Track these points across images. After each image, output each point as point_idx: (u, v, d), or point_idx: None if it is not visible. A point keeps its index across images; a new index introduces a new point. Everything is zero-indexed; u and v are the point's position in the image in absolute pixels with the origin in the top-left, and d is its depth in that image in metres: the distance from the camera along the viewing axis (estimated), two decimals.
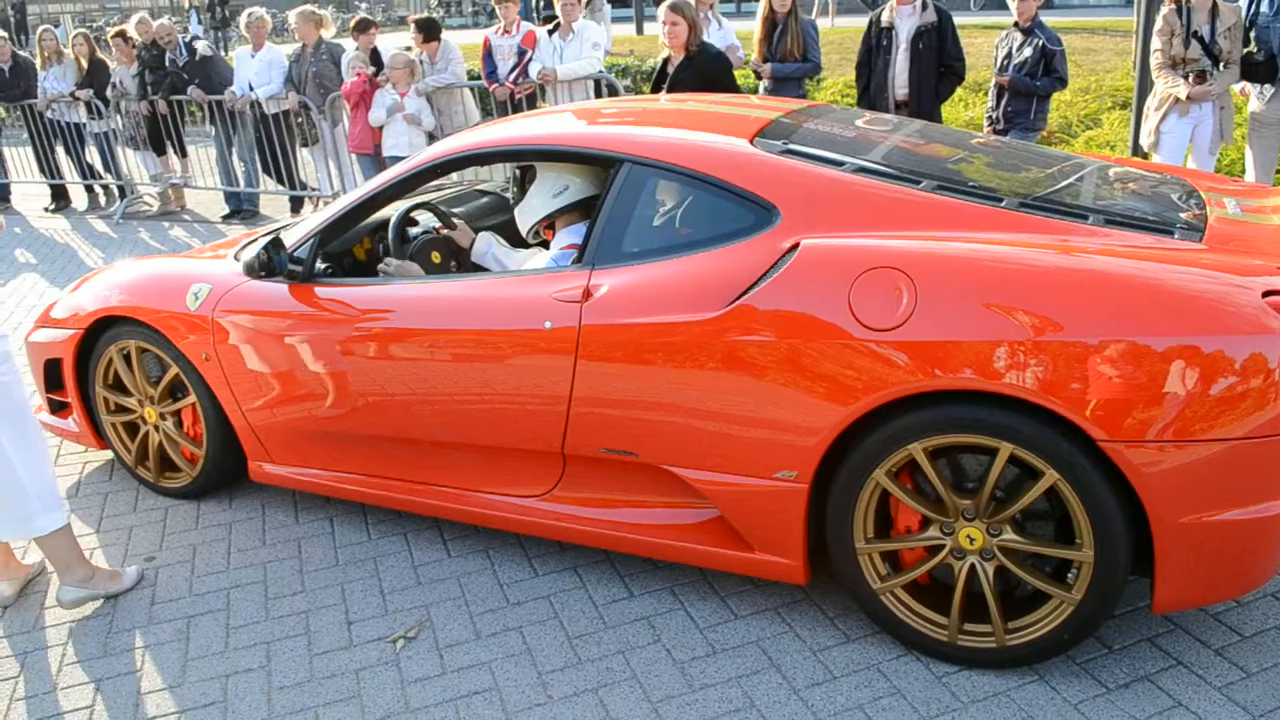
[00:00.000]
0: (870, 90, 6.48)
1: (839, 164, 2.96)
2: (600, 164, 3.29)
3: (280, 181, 9.10)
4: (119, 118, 9.68)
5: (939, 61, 6.26)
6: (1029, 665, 2.74)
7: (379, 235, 3.98)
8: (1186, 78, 5.78)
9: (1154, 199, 3.11)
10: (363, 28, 8.13)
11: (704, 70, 5.69)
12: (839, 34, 14.44)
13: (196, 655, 3.04)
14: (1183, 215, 2.90)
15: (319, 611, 3.21)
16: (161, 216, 9.80)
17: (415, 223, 4.08)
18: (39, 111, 9.97)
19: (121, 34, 9.47)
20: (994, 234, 2.68)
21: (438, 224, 4.02)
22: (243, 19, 8.99)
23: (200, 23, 20.22)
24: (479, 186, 4.68)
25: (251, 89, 8.70)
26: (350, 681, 2.87)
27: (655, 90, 5.96)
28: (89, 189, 10.52)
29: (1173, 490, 2.40)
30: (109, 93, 9.57)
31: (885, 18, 6.39)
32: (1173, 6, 5.86)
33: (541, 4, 16.09)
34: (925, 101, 6.26)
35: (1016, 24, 6.15)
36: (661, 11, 5.78)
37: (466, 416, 3.24)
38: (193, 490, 3.99)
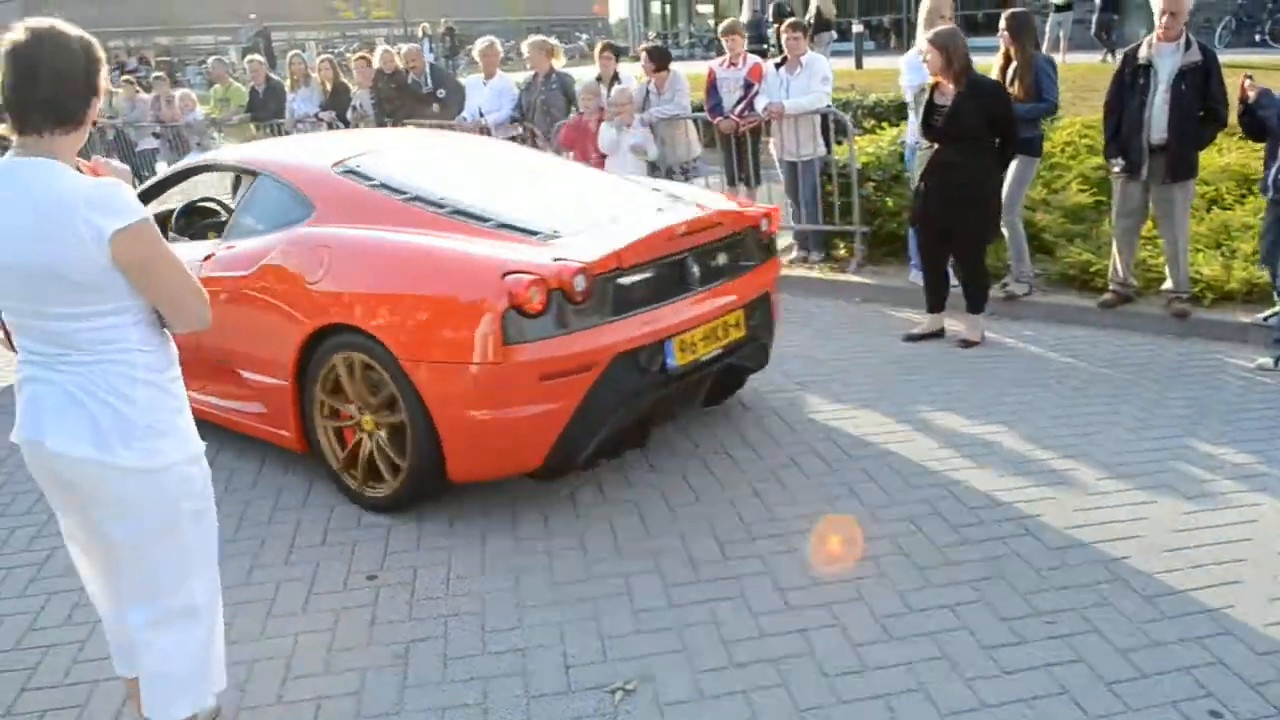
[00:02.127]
0: (1122, 133, 5.98)
1: (368, 180, 4.28)
2: (251, 175, 4.82)
3: None
4: None
5: (1201, 104, 5.72)
6: (394, 512, 4.01)
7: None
8: None
9: (575, 213, 4.26)
10: (612, 52, 8.39)
11: (981, 99, 5.56)
12: (1069, 70, 13.68)
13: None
14: (573, 224, 4.06)
15: (536, 651, 3.16)
16: None
17: (203, 214, 5.77)
18: (286, 130, 10.64)
19: (365, 59, 10.00)
20: (421, 230, 3.97)
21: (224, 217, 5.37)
22: (475, 47, 9.31)
23: (432, 50, 21.28)
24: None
25: (481, 114, 8.99)
26: None
27: (925, 122, 5.70)
28: None
29: (445, 395, 3.70)
30: (349, 114, 10.12)
31: (1143, 54, 5.87)
32: None
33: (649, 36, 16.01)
34: (1186, 146, 5.73)
35: None
36: (920, 41, 5.66)
37: None
38: None
